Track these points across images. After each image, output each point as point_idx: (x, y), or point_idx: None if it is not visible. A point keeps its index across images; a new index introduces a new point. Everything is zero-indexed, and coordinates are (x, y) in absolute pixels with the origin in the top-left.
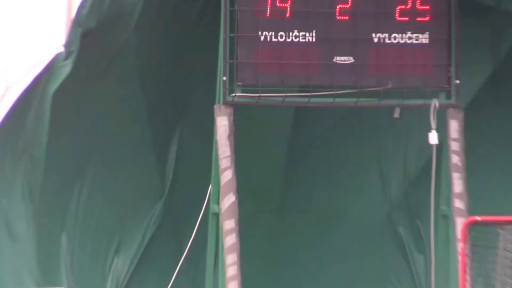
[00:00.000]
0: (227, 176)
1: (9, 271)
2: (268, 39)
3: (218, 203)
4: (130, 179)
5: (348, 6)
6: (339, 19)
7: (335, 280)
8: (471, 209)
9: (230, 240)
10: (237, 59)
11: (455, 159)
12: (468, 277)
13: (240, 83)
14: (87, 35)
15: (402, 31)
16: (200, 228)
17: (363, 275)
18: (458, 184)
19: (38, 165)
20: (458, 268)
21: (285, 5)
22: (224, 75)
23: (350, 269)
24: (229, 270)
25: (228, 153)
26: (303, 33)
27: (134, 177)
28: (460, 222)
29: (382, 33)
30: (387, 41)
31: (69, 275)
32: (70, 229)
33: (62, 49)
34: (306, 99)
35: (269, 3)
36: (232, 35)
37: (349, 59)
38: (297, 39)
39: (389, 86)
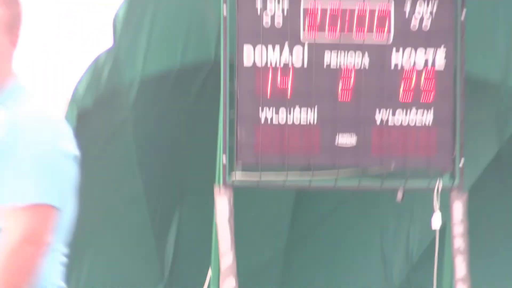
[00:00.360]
0: (227, 259)
1: None
2: (269, 119)
3: (218, 286)
4: (129, 262)
5: (350, 86)
6: (341, 99)
7: None
8: None
9: None
10: (237, 140)
11: (458, 242)
12: None
13: (240, 164)
14: (83, 115)
15: (406, 111)
16: None
17: None
18: (461, 268)
19: None
20: None
21: (286, 85)
22: (224, 156)
23: None
24: None
25: (228, 236)
26: (305, 113)
27: (133, 261)
28: None
29: (385, 114)
30: (390, 121)
31: None
32: None
33: None
34: (307, 182)
35: (269, 83)
36: (232, 115)
37: (352, 140)
38: (298, 120)
39: (392, 167)
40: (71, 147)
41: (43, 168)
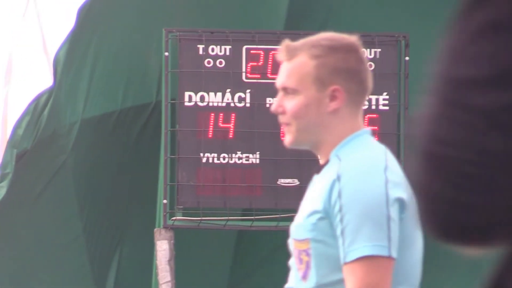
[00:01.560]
0: None
1: None
2: (210, 160)
3: None
4: None
5: None
6: (283, 140)
7: None
8: None
9: None
10: (178, 182)
11: None
12: None
13: (181, 206)
14: (22, 156)
15: None
16: None
17: None
18: None
19: None
20: None
21: (228, 125)
22: (164, 198)
23: None
24: None
25: (169, 278)
26: (247, 154)
27: None
28: None
29: None
30: None
31: None
32: None
33: None
34: (249, 223)
35: (211, 124)
36: (172, 156)
37: (294, 182)
38: (240, 161)
39: None
40: (399, 191)
41: (371, 218)
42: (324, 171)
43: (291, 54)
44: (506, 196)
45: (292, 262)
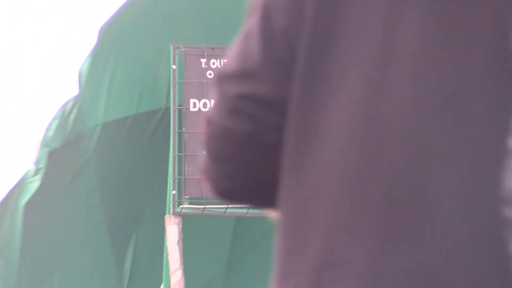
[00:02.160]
0: (176, 276)
1: None
2: None
3: None
4: (92, 281)
5: None
6: None
7: None
8: None
9: None
10: (184, 175)
11: None
12: None
13: (188, 196)
14: (53, 154)
15: None
16: None
17: None
18: None
19: (11, 268)
20: None
21: None
22: (173, 189)
23: None
24: None
25: (178, 257)
26: None
27: (95, 280)
28: None
29: None
30: None
31: None
32: None
33: (32, 166)
34: (245, 210)
35: None
36: (180, 154)
37: None
38: None
39: None
40: None
41: None
42: None
43: None
44: (248, 167)
45: None
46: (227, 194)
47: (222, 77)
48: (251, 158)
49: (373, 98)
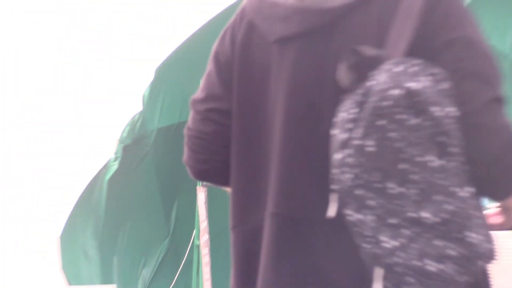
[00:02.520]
0: (203, 224)
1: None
2: None
3: (199, 239)
4: (150, 228)
5: None
6: None
7: None
8: None
9: (205, 258)
10: None
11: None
12: None
13: None
14: (125, 148)
15: None
16: (189, 253)
17: None
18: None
19: (99, 220)
20: None
21: None
22: None
23: None
24: (205, 270)
25: (204, 211)
26: None
27: (152, 227)
28: None
29: None
30: None
31: (116, 278)
32: (118, 254)
33: (113, 155)
34: None
35: None
36: None
37: None
38: None
39: None
40: None
41: None
42: None
43: None
44: (215, 155)
45: None
46: (202, 174)
47: (196, 101)
48: (216, 148)
49: (268, 119)
